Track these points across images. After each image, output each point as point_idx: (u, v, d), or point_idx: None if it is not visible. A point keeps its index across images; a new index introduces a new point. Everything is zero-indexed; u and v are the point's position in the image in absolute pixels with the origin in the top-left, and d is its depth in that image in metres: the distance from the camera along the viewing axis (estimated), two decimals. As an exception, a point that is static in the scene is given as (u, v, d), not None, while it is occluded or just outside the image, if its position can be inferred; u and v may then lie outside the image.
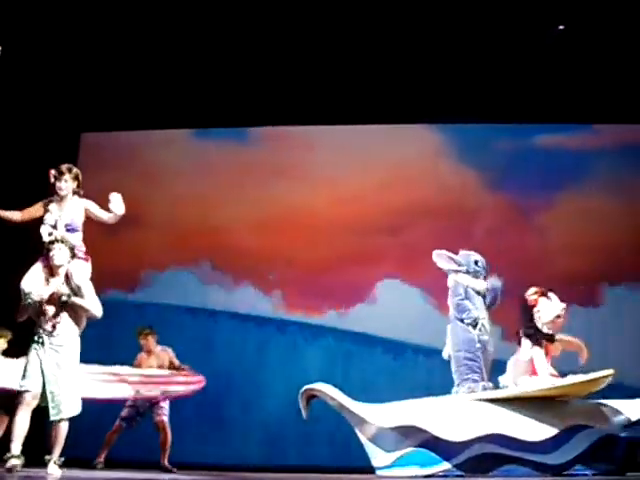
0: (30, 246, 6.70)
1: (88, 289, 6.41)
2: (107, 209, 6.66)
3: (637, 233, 10.86)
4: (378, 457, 7.02)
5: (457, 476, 6.92)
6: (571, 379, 6.86)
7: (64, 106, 11.19)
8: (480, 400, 6.97)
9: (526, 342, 7.31)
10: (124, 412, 8.79)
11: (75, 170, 6.70)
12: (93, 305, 6.38)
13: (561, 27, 10.58)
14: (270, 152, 11.41)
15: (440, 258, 7.55)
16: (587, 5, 10.26)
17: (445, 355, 7.50)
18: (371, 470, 7.11)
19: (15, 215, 6.72)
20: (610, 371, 6.76)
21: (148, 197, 11.22)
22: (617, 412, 6.90)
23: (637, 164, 10.96)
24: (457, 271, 7.55)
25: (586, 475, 6.80)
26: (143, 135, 11.73)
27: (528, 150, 11.22)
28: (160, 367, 8.82)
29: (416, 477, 6.82)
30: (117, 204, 6.64)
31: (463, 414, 6.88)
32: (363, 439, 7.10)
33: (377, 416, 7.00)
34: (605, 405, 7.01)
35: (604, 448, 6.84)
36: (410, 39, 10.64)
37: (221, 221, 11.20)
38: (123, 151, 11.60)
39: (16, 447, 6.08)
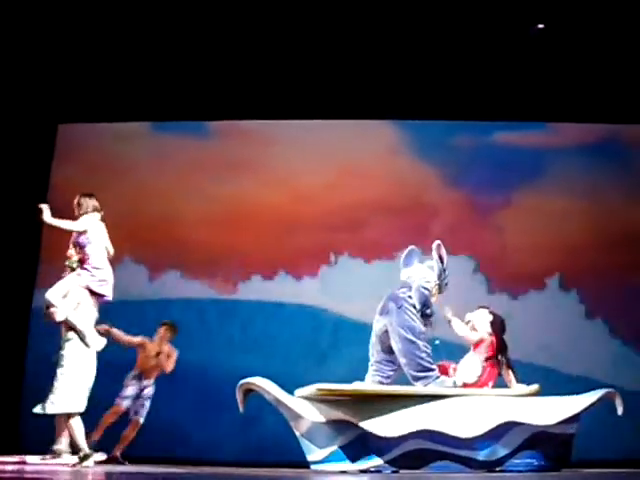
0: None
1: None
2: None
3: (593, 232, 10.90)
4: (312, 452, 7.03)
5: (391, 472, 6.92)
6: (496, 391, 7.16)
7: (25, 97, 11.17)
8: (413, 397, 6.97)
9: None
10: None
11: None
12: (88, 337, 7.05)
13: (540, 26, 10.63)
14: (228, 146, 11.41)
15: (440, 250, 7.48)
16: (547, 4, 10.32)
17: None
18: (306, 465, 7.11)
19: None
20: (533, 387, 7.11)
21: (105, 190, 11.19)
22: (550, 408, 6.93)
23: (593, 163, 11.01)
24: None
25: (520, 472, 6.80)
26: (101, 128, 11.67)
27: (487, 147, 11.27)
28: (154, 357, 8.87)
29: (348, 472, 6.82)
30: None
31: (396, 410, 6.89)
32: (298, 434, 7.10)
33: (311, 411, 7.01)
34: (538, 402, 7.04)
35: (537, 444, 6.87)
36: (369, 36, 10.67)
37: (177, 215, 11.16)
38: (79, 144, 11.54)
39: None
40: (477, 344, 7.44)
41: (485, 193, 11.12)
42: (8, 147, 10.97)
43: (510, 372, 7.46)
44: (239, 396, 7.15)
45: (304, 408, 7.02)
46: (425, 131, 11.30)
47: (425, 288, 7.32)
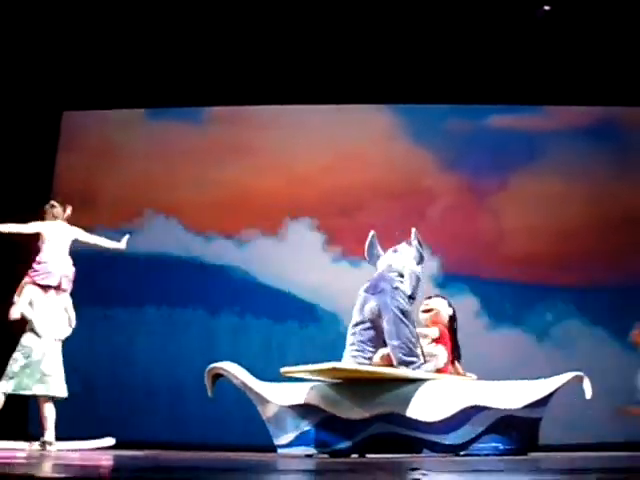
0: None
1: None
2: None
3: (589, 216, 10.82)
4: (279, 436, 7.09)
5: (357, 456, 6.97)
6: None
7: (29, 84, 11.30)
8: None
9: None
10: None
11: None
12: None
13: (547, 8, 10.57)
14: (223, 132, 11.41)
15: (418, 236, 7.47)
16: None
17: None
18: (273, 449, 7.17)
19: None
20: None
21: (109, 176, 11.37)
22: (516, 392, 6.92)
23: (590, 146, 10.90)
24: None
25: (486, 456, 6.80)
26: (105, 115, 11.78)
27: (482, 131, 11.18)
28: None
29: (314, 456, 6.88)
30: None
31: (362, 393, 6.93)
32: (265, 418, 7.16)
33: (277, 395, 7.07)
34: (504, 385, 7.04)
35: (503, 429, 6.86)
36: (362, 18, 10.64)
37: (174, 201, 11.25)
38: (83, 131, 11.67)
39: None
40: (438, 339, 7.46)
41: (481, 177, 11.06)
42: (13, 135, 11.09)
43: (458, 365, 7.52)
44: (207, 381, 7.22)
45: (271, 392, 7.10)
46: (421, 115, 11.25)
47: (419, 275, 7.32)
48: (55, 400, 7.76)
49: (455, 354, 7.56)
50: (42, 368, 7.65)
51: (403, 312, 7.03)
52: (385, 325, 7.03)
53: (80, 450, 7.81)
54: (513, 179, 11.06)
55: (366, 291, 7.18)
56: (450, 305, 7.71)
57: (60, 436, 7.81)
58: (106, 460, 5.94)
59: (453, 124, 11.24)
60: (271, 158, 11.32)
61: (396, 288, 7.10)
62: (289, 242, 11.11)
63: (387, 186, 11.08)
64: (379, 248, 7.49)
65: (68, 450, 7.73)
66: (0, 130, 10.99)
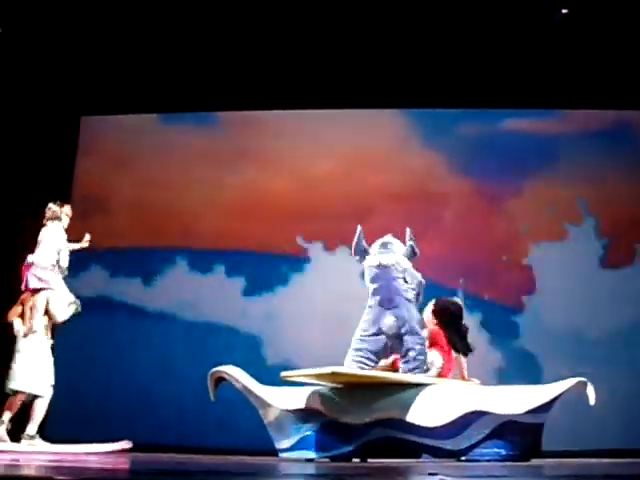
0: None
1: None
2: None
3: (603, 220, 10.76)
4: (280, 440, 7.10)
5: (359, 461, 6.96)
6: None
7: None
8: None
9: None
10: None
11: None
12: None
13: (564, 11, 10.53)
14: (237, 137, 11.48)
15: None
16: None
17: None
18: (275, 453, 7.17)
19: None
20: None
21: (126, 180, 11.47)
22: (518, 398, 6.87)
23: (603, 150, 10.83)
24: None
25: (488, 461, 6.76)
26: (122, 120, 11.87)
27: (495, 135, 11.15)
28: None
29: (315, 461, 6.87)
30: None
31: (362, 398, 6.92)
32: (266, 422, 7.17)
33: (279, 399, 7.08)
34: (506, 390, 7.01)
35: (505, 434, 6.81)
36: (375, 24, 10.65)
37: (189, 206, 11.30)
38: (101, 136, 11.78)
39: None
40: (430, 342, 7.42)
41: (494, 181, 11.02)
42: (33, 140, 11.22)
43: (463, 361, 7.44)
44: (210, 385, 7.24)
45: (272, 396, 7.11)
46: (434, 119, 11.24)
47: (421, 279, 7.32)
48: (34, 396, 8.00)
49: (458, 347, 7.50)
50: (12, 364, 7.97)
51: (419, 322, 7.26)
52: (407, 337, 7.17)
53: (96, 453, 7.82)
54: (527, 183, 11.00)
55: (381, 305, 7.22)
56: (437, 303, 7.67)
57: (77, 439, 7.91)
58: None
59: (466, 128, 11.20)
60: (283, 163, 11.35)
61: (409, 300, 7.22)
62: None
63: (400, 190, 11.06)
64: (365, 243, 7.47)
65: (85, 453, 7.74)
66: (21, 134, 11.11)
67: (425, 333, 7.36)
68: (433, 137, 11.17)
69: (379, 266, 7.27)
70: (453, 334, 7.46)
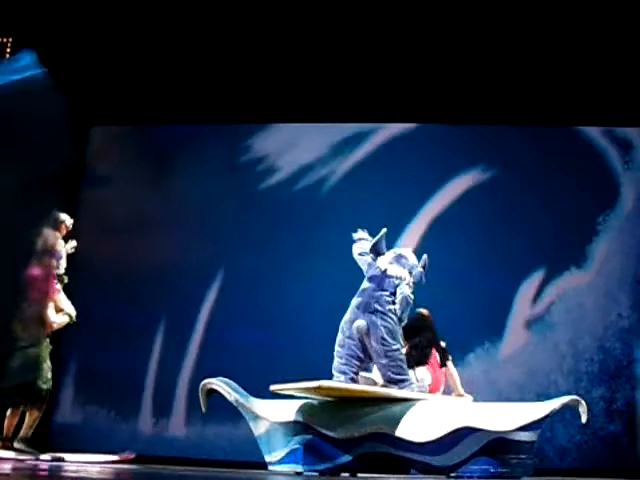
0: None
1: None
2: None
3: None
4: (270, 453, 7.08)
5: (349, 475, 6.92)
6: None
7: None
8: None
9: None
10: None
11: None
12: None
13: None
14: (258, 148, 11.56)
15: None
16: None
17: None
18: (264, 466, 7.16)
19: None
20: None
21: (136, 190, 11.55)
22: (509, 415, 6.79)
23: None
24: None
25: (479, 478, 6.69)
26: (132, 130, 11.98)
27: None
28: None
29: (304, 474, 6.84)
30: None
31: (352, 412, 6.88)
32: (256, 434, 7.16)
33: (269, 411, 7.07)
34: (497, 407, 6.93)
35: (495, 451, 6.71)
36: (393, 41, 10.76)
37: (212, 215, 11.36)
38: (110, 146, 11.87)
39: None
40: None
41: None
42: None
43: (454, 376, 7.39)
44: (202, 397, 7.25)
45: (262, 409, 7.10)
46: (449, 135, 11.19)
47: (409, 299, 7.20)
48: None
49: (441, 355, 7.46)
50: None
51: (391, 332, 6.99)
52: (374, 344, 6.98)
53: (99, 463, 7.88)
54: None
55: (357, 307, 7.12)
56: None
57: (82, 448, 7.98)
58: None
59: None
60: (302, 174, 11.34)
61: (389, 311, 7.07)
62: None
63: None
64: (384, 246, 7.38)
65: (88, 463, 7.80)
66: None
67: (404, 350, 7.30)
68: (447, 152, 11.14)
69: (384, 272, 7.21)
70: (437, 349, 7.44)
